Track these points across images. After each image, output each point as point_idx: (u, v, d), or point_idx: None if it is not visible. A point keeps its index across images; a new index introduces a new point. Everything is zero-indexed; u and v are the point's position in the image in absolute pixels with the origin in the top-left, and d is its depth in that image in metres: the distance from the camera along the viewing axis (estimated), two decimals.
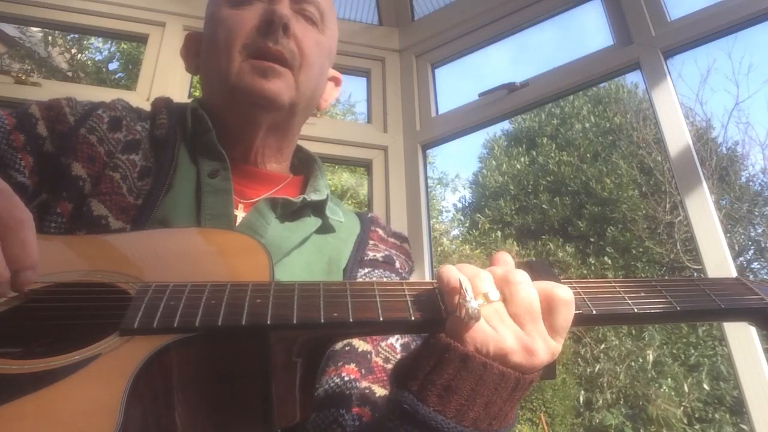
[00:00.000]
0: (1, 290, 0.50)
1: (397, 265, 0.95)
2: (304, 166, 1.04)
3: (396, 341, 0.84)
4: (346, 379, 0.73)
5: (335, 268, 0.88)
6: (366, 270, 0.89)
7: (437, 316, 0.57)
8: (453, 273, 0.57)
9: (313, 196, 0.92)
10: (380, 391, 0.76)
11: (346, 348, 0.77)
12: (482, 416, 0.55)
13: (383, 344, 0.82)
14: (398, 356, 0.82)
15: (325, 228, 0.94)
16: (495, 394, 0.55)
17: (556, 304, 0.56)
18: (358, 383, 0.74)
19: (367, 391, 0.75)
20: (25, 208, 0.52)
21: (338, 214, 0.97)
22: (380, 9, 2.50)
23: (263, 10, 0.90)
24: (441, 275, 0.58)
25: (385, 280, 0.89)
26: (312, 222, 0.92)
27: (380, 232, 1.01)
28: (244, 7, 0.91)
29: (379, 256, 0.93)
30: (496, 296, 0.56)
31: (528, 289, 0.57)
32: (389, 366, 0.79)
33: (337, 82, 1.08)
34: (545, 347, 0.56)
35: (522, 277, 0.57)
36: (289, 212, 0.89)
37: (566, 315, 0.57)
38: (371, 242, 0.96)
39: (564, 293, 0.57)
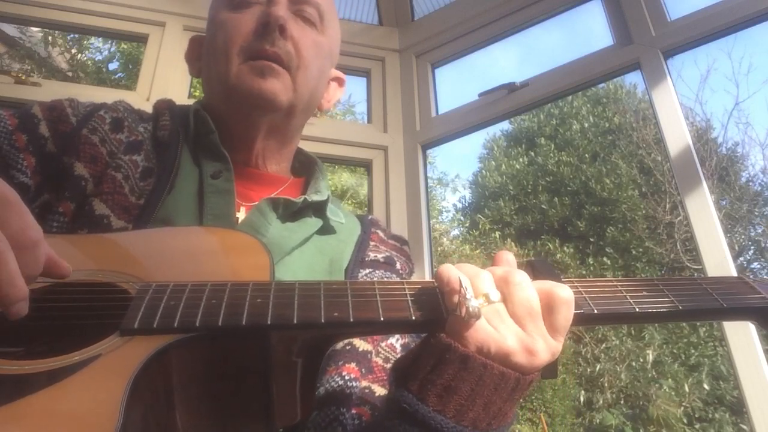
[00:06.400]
0: (19, 307, 0.48)
1: (398, 266, 0.95)
2: (306, 168, 1.05)
3: (396, 341, 0.84)
4: (347, 378, 0.73)
5: (337, 269, 0.89)
6: (367, 270, 0.89)
7: (438, 316, 0.57)
8: (453, 272, 0.57)
9: (314, 197, 0.92)
10: (380, 391, 0.76)
11: (347, 347, 0.77)
12: (481, 416, 0.56)
13: (383, 344, 0.82)
14: (398, 356, 0.81)
15: (326, 229, 0.94)
16: (495, 394, 0.55)
17: (557, 303, 0.56)
18: (358, 382, 0.74)
19: (366, 390, 0.75)
20: (37, 225, 0.51)
21: (339, 215, 0.97)
22: (380, 9, 2.50)
23: (261, 12, 0.90)
24: (440, 274, 0.58)
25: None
26: (313, 223, 0.92)
27: (380, 233, 1.01)
28: (243, 10, 0.91)
29: (380, 256, 0.93)
30: (496, 296, 0.56)
31: (528, 289, 0.57)
32: (389, 366, 0.79)
33: (340, 82, 1.08)
34: (546, 347, 0.56)
35: (522, 277, 0.57)
36: (291, 213, 0.90)
37: (566, 314, 0.57)
38: (372, 243, 0.97)
39: (564, 293, 0.57)
